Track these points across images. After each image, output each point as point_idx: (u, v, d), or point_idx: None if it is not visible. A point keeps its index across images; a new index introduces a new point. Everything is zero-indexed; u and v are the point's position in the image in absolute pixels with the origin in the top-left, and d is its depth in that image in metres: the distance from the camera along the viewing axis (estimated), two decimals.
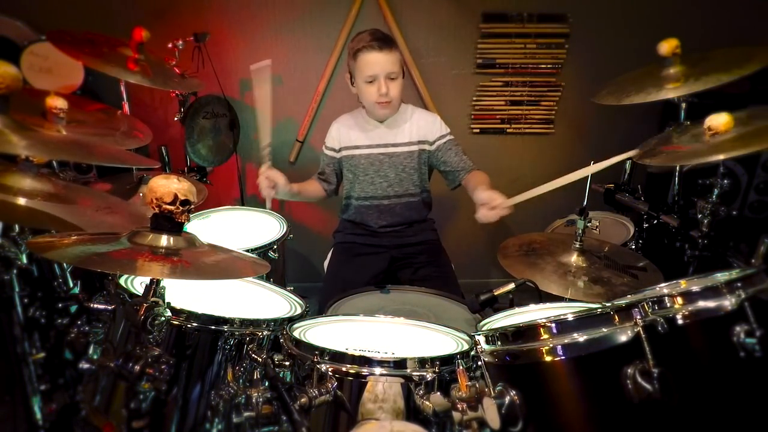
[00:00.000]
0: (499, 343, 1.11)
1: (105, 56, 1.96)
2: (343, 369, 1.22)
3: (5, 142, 1.18)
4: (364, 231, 2.32)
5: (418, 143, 2.22)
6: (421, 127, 2.22)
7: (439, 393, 1.16)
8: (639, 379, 0.94)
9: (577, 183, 1.61)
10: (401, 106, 2.22)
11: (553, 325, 1.03)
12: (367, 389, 1.21)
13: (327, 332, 1.45)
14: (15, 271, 1.42)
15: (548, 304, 1.49)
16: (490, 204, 1.78)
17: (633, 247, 2.16)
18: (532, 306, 1.49)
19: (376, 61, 2.03)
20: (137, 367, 1.08)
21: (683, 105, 1.90)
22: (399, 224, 2.29)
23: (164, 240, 1.15)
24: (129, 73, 1.96)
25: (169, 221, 1.15)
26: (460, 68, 2.88)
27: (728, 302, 1.00)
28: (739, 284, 1.02)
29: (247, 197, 2.94)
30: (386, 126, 2.21)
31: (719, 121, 1.48)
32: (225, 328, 1.30)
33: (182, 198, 1.13)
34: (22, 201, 1.33)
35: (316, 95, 2.85)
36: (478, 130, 3.00)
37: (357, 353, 1.25)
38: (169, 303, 1.18)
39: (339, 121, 2.29)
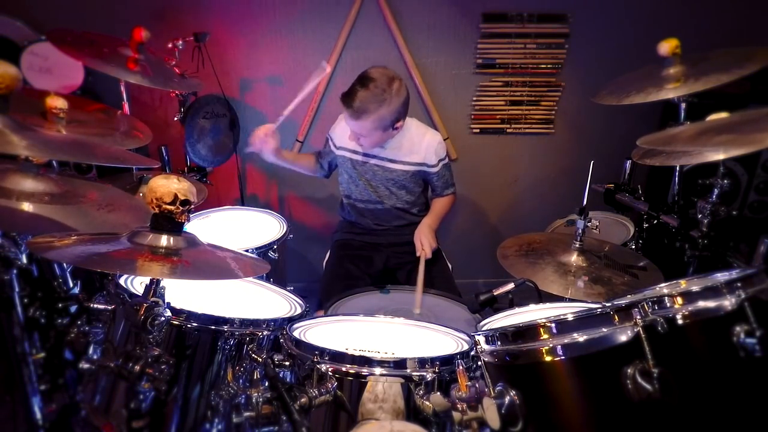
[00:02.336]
0: (499, 343, 1.11)
1: (105, 56, 1.96)
2: (343, 369, 1.22)
3: (5, 142, 1.18)
4: (361, 230, 2.32)
5: (416, 164, 2.19)
6: (423, 151, 2.17)
7: (439, 393, 1.16)
8: (639, 379, 0.94)
9: (576, 183, 1.61)
10: (405, 121, 2.14)
11: (553, 325, 1.02)
12: (367, 389, 1.21)
13: (327, 332, 1.45)
14: (15, 271, 1.42)
15: (548, 304, 1.49)
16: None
17: (633, 247, 2.15)
18: (532, 306, 1.49)
19: (351, 126, 2.06)
20: (137, 367, 1.08)
21: (683, 105, 1.90)
22: (395, 226, 2.30)
23: (164, 240, 1.15)
24: (129, 73, 1.96)
25: (169, 221, 1.15)
26: (460, 68, 2.88)
27: (728, 302, 1.00)
28: (739, 284, 1.01)
29: (247, 197, 2.94)
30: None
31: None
32: (225, 328, 1.30)
33: (182, 198, 1.13)
34: (25, 206, 1.33)
35: (316, 95, 2.85)
36: (478, 130, 3.00)
37: (357, 353, 1.25)
38: (169, 303, 1.18)
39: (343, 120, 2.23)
